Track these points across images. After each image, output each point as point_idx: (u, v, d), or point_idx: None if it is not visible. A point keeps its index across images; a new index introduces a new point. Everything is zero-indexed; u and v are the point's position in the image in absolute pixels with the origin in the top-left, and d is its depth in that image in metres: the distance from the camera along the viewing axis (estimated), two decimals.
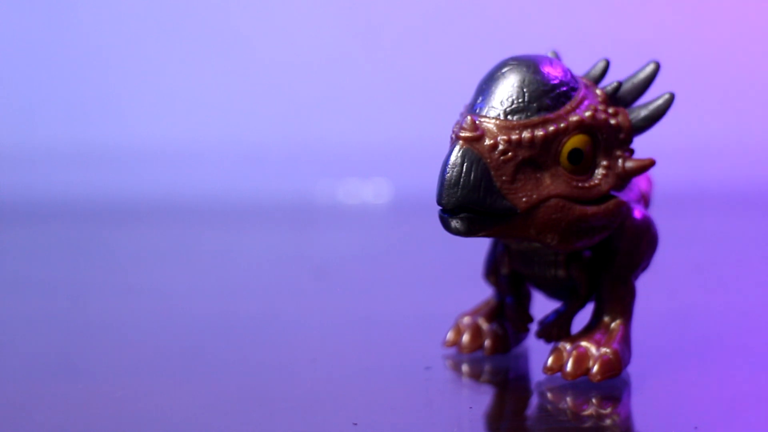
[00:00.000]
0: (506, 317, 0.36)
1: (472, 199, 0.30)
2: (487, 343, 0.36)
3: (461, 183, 0.30)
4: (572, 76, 0.32)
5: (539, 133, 0.31)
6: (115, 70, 0.79)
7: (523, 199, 0.30)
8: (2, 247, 0.63)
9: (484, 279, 0.36)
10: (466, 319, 0.36)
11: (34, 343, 0.40)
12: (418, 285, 0.50)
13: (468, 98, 0.32)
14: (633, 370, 0.33)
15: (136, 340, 0.40)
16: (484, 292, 0.37)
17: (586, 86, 0.32)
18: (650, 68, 0.33)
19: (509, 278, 0.35)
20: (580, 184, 0.31)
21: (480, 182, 0.30)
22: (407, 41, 0.77)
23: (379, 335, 0.40)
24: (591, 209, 0.31)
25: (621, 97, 0.32)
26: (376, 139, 0.74)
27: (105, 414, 0.31)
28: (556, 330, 0.33)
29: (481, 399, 0.33)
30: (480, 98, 0.31)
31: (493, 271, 0.36)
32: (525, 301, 0.35)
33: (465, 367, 0.35)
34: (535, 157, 0.31)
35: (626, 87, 0.33)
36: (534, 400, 0.33)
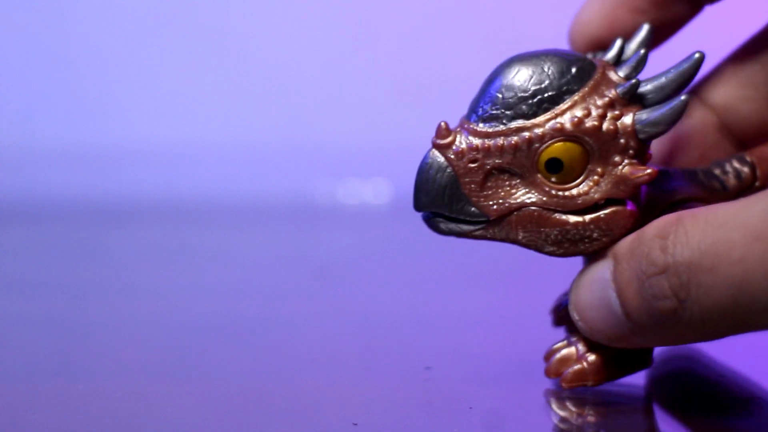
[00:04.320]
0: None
1: (437, 204, 0.30)
2: None
3: (427, 188, 0.30)
4: (572, 77, 0.30)
5: (510, 141, 0.30)
6: (115, 70, 0.78)
7: (493, 207, 0.30)
8: (2, 247, 0.63)
9: None
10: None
11: (34, 343, 0.40)
12: (418, 285, 0.50)
13: (469, 98, 0.32)
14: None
15: (136, 340, 0.40)
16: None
17: (595, 87, 0.30)
18: (686, 65, 0.30)
19: None
20: (561, 194, 0.30)
21: (445, 188, 0.30)
22: (407, 41, 0.77)
23: (379, 335, 0.40)
24: (574, 219, 0.30)
25: (643, 97, 0.30)
26: (376, 139, 0.74)
27: (105, 414, 0.31)
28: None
29: (482, 399, 0.33)
30: (471, 104, 0.31)
31: None
32: None
33: (465, 368, 0.35)
34: (508, 165, 0.30)
35: (648, 87, 0.30)
36: (535, 400, 0.33)
